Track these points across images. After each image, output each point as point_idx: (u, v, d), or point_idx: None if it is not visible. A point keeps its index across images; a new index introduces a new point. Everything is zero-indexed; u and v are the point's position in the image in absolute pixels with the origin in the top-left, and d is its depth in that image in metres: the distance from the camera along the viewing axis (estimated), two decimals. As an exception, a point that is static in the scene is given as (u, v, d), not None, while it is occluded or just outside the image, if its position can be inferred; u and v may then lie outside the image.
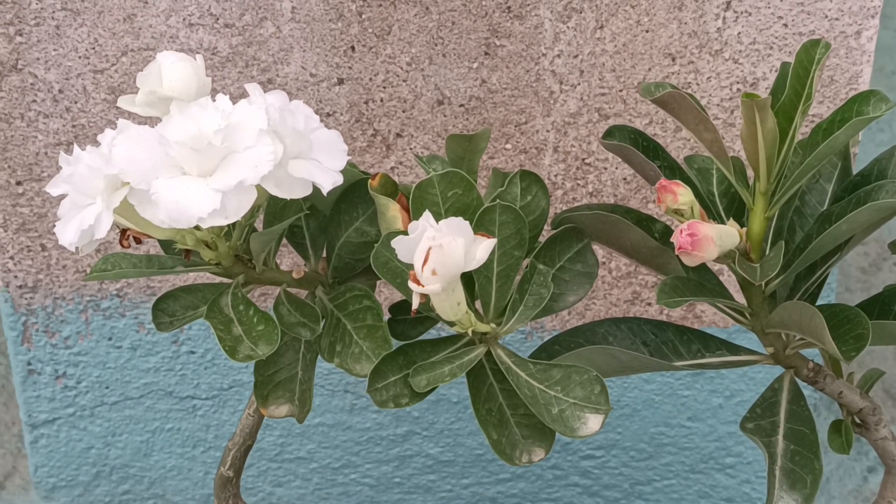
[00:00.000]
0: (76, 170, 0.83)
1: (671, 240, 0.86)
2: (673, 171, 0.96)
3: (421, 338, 0.94)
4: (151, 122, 0.88)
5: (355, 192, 0.94)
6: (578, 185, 1.37)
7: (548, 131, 1.35)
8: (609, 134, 0.96)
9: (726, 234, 0.87)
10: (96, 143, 1.33)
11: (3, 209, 1.38)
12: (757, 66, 1.31)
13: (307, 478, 1.58)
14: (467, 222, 0.83)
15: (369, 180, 0.90)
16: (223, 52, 1.30)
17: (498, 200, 0.89)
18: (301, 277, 0.94)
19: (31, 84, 1.32)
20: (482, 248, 0.83)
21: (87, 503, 1.59)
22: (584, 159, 1.36)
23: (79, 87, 1.32)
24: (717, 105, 1.33)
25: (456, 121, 1.34)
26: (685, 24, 1.29)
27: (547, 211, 0.94)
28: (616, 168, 1.36)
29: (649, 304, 1.44)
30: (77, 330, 1.46)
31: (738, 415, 1.51)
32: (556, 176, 1.37)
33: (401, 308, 0.97)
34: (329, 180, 0.84)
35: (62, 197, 0.86)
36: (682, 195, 0.88)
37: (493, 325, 0.90)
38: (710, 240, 0.84)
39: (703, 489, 1.58)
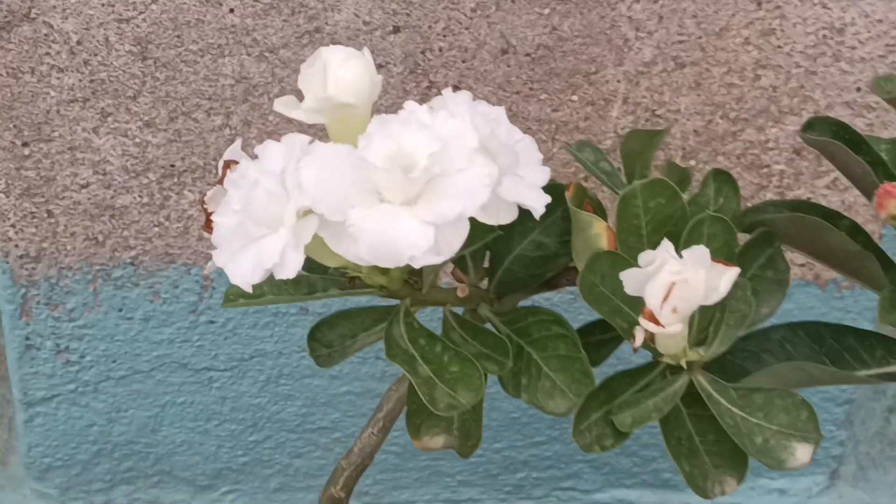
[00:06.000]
0: (252, 195, 0.68)
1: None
2: (875, 166, 0.86)
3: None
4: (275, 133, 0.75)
5: (531, 198, 0.82)
6: (646, 138, 1.26)
7: (619, 81, 1.23)
8: (809, 126, 0.85)
9: (974, 251, 0.78)
10: (116, 99, 1.18)
11: (6, 172, 1.21)
12: (846, 11, 1.21)
13: (329, 448, 1.46)
14: (707, 249, 0.72)
15: (565, 192, 0.78)
16: (266, -2, 1.15)
17: (707, 212, 0.78)
18: (465, 296, 0.82)
19: (45, 35, 1.15)
20: (725, 279, 0.72)
21: (85, 482, 1.45)
22: (654, 111, 1.25)
23: (100, 38, 1.15)
24: (801, 52, 1.23)
25: (520, 71, 1.21)
26: (775, -34, 1.18)
27: (738, 213, 0.84)
28: (687, 120, 1.25)
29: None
30: (83, 301, 1.31)
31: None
32: (622, 129, 1.25)
33: (582, 331, 0.85)
34: (541, 201, 0.71)
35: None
36: (908, 201, 0.78)
37: (699, 351, 0.80)
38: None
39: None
